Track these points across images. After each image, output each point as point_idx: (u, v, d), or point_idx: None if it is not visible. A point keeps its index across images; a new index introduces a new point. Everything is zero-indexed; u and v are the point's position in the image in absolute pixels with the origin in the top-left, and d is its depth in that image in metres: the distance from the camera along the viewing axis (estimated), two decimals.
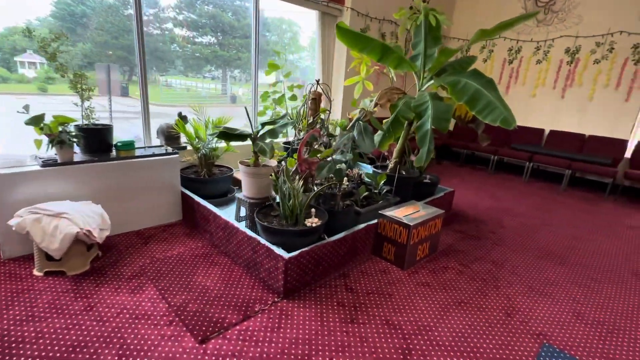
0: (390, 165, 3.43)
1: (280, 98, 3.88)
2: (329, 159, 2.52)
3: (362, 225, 2.62)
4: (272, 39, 5.13)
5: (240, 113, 2.76)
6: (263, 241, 2.20)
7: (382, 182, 3.13)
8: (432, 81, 2.93)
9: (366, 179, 3.20)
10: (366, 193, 2.99)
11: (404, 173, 3.51)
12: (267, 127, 2.53)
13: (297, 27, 5.27)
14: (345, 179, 3.05)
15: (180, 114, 3.39)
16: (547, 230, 3.57)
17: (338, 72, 5.10)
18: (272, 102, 3.91)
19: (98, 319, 1.82)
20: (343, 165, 2.42)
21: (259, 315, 1.95)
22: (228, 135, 2.47)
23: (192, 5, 4.06)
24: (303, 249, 2.13)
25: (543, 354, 1.83)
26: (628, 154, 5.23)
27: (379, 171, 3.45)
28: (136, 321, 1.82)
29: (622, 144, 5.22)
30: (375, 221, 2.72)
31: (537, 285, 2.50)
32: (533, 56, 5.95)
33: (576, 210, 4.35)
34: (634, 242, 3.47)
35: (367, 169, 3.87)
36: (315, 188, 2.90)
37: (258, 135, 2.53)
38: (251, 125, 2.53)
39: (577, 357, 1.82)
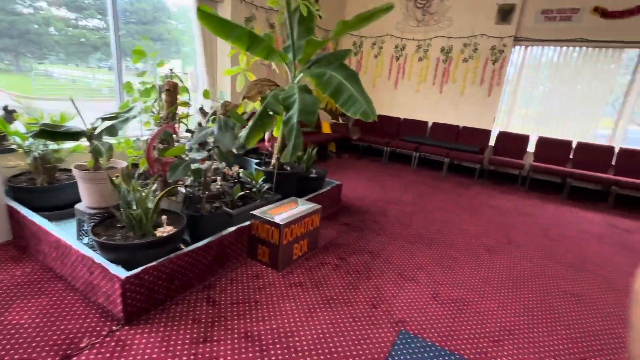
0: (273, 161, 3.29)
1: (148, 90, 3.41)
2: (187, 158, 2.24)
3: (232, 229, 2.40)
4: (179, 27, 4.61)
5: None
6: (97, 259, 1.83)
7: (261, 179, 2.96)
8: (302, 73, 2.84)
9: (244, 177, 2.99)
10: (242, 192, 2.79)
11: (288, 169, 3.40)
12: (106, 123, 2.13)
13: None
14: (220, 178, 2.81)
15: (5, 108, 2.73)
16: (423, 216, 3.84)
17: (222, 63, 4.75)
18: (139, 94, 3.41)
19: None
20: (200, 165, 2.17)
21: (86, 352, 1.60)
22: (51, 133, 2.00)
23: None
24: (147, 265, 1.84)
25: (399, 342, 1.87)
26: (492, 142, 6.02)
27: (262, 168, 3.28)
28: None
29: (487, 133, 5.97)
30: (249, 222, 2.54)
31: (406, 271, 2.61)
32: (415, 54, 6.43)
33: (451, 194, 4.82)
34: (491, 219, 3.95)
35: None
36: (183, 190, 2.60)
37: (95, 133, 2.11)
38: (83, 121, 2.10)
39: (429, 339, 1.90)
